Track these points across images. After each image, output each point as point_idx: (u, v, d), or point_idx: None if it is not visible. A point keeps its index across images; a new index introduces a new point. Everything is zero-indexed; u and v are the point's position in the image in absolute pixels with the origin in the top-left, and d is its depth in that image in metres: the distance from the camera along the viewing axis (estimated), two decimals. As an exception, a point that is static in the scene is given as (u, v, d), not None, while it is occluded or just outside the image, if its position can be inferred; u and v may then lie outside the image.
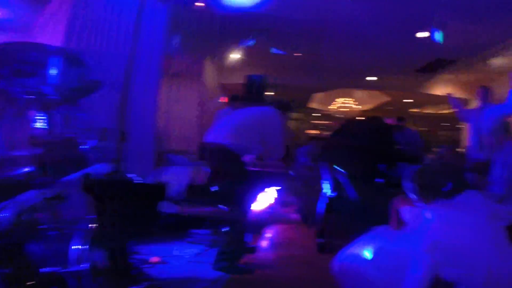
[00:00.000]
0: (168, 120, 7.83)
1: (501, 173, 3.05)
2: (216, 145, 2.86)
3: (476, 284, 1.86)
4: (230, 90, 8.65)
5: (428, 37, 6.75)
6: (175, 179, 3.82)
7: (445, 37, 6.71)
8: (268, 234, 4.24)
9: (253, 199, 3.09)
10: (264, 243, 3.89)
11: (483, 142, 4.01)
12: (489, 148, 3.48)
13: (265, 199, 4.34)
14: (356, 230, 3.21)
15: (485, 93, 4.44)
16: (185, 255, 3.06)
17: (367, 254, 2.45)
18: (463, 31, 6.87)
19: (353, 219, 3.70)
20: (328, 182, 3.81)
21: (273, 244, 3.96)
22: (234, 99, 6.12)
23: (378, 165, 3.89)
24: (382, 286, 2.32)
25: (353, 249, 2.71)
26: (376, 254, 2.44)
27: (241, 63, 9.75)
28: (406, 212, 2.70)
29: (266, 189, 4.51)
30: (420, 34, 6.84)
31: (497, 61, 8.96)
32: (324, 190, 3.90)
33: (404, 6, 5.98)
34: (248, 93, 6.23)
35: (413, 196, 2.24)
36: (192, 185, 3.91)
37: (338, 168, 3.61)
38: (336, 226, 3.88)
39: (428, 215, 2.10)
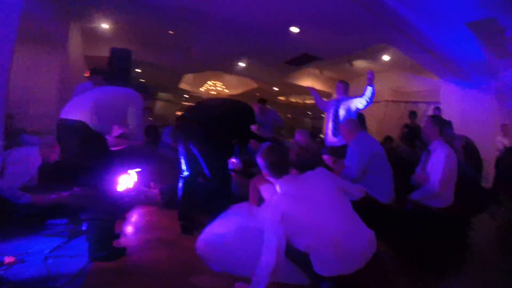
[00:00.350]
0: (23, 94, 7.95)
1: (352, 159, 4.05)
2: (74, 122, 2.99)
3: (326, 252, 2.33)
4: (95, 64, 8.69)
5: (298, 32, 8.80)
6: (23, 162, 3.85)
7: (314, 37, 9.15)
8: (133, 218, 4.59)
9: (115, 181, 3.35)
10: (129, 228, 4.20)
11: (338, 130, 5.33)
12: (343, 136, 4.51)
13: (128, 181, 4.70)
14: (214, 209, 3.70)
15: (343, 87, 5.97)
16: (43, 251, 3.15)
17: (228, 231, 3.09)
18: (331, 37, 9.24)
19: (209, 198, 4.17)
20: (184, 161, 4.16)
21: (139, 228, 4.31)
22: (95, 73, 6.18)
23: (233, 144, 4.50)
24: (244, 260, 2.88)
25: (214, 228, 3.26)
26: (236, 230, 3.07)
27: (110, 35, 10.17)
28: (264, 189, 3.40)
29: (129, 171, 4.82)
30: (292, 29, 8.69)
31: (358, 64, 12.43)
32: (182, 170, 4.23)
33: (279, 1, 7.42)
34: (112, 68, 6.39)
35: (266, 172, 2.66)
36: (44, 169, 4.00)
37: (192, 146, 3.97)
38: (194, 206, 4.30)
39: (278, 189, 2.65)
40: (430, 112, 9.94)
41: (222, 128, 3.99)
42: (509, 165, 5.50)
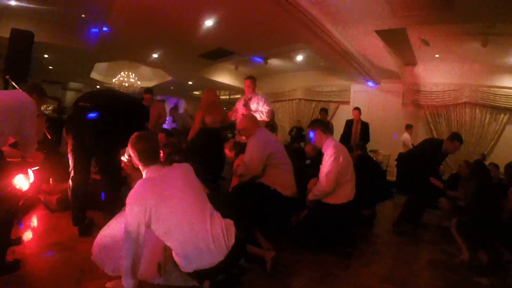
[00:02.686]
0: None
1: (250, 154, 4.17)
2: None
3: (182, 246, 2.43)
4: None
5: (214, 26, 8.68)
6: None
7: (229, 32, 9.17)
8: (30, 221, 4.38)
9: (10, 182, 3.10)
10: (25, 232, 3.98)
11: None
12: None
13: (25, 180, 4.12)
14: (107, 209, 3.78)
15: (250, 84, 6.10)
16: None
17: (120, 233, 2.81)
18: (246, 33, 9.39)
19: (101, 197, 4.07)
20: (73, 158, 3.89)
21: (36, 232, 4.11)
22: None
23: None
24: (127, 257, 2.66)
25: (108, 230, 3.24)
26: (118, 227, 3.02)
27: (16, 13, 9.10)
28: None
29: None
30: (208, 23, 8.55)
31: (273, 62, 12.79)
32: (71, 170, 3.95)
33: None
34: (11, 52, 5.91)
35: (136, 160, 2.70)
36: None
37: (83, 141, 3.77)
38: (90, 206, 4.21)
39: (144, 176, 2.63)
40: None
41: (115, 122, 3.79)
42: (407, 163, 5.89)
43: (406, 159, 6.03)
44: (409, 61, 11.12)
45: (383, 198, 5.96)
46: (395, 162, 6.86)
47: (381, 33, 8.23)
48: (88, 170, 4.00)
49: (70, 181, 3.92)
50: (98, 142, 3.74)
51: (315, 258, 3.92)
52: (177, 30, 9.46)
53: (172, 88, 18.35)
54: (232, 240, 2.55)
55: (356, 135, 9.49)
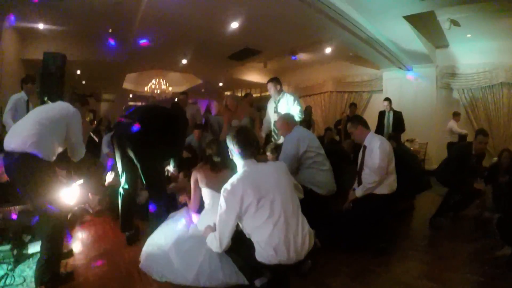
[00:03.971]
0: None
1: (285, 152, 4.33)
2: (21, 156, 2.99)
3: (272, 238, 2.58)
4: (34, 68, 8.51)
5: (238, 27, 8.91)
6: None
7: (255, 32, 9.48)
8: (78, 232, 4.60)
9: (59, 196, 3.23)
10: (75, 243, 4.21)
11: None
12: (280, 130, 4.81)
13: (71, 194, 4.54)
14: (154, 218, 3.95)
15: (272, 86, 5.97)
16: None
17: (167, 242, 3.30)
18: (272, 32, 9.59)
19: (146, 207, 4.22)
20: (121, 170, 4.14)
21: (84, 242, 4.30)
22: (26, 82, 6.05)
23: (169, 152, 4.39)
24: (183, 269, 3.10)
25: (155, 239, 3.45)
26: (175, 241, 3.29)
27: (47, 36, 9.69)
28: (205, 193, 3.67)
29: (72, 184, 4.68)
30: (233, 25, 8.82)
31: (301, 56, 12.80)
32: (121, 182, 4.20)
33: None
34: (44, 75, 6.05)
35: (235, 151, 2.87)
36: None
37: (129, 153, 3.92)
38: (136, 215, 4.41)
39: (241, 168, 2.88)
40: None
41: (159, 134, 4.01)
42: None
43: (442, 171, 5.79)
44: (440, 43, 10.95)
45: (420, 190, 5.89)
46: (433, 151, 6.69)
47: (409, 18, 8.24)
48: (136, 181, 4.24)
49: (120, 190, 4.20)
50: (141, 155, 3.94)
51: (350, 254, 4.01)
52: (203, 34, 9.79)
53: (203, 90, 18.68)
54: (311, 244, 2.76)
55: (389, 127, 9.43)
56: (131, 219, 4.28)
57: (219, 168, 3.64)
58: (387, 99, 9.69)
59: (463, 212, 5.77)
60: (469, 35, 10.24)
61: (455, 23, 8.99)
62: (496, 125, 10.47)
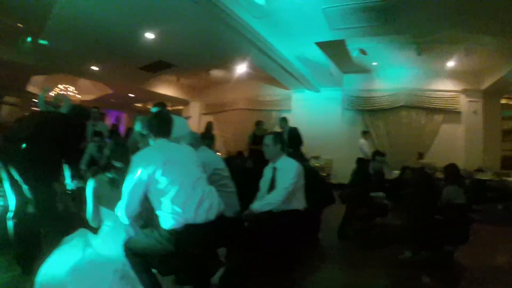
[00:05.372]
0: None
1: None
2: None
3: (183, 195, 2.70)
4: None
5: (153, 38, 8.99)
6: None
7: (170, 45, 9.60)
8: None
9: None
10: None
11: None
12: None
13: None
14: (50, 239, 3.47)
15: None
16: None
17: (63, 270, 2.90)
18: (187, 46, 9.75)
19: (38, 228, 3.70)
20: (8, 193, 3.67)
21: None
22: None
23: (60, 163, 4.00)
24: None
25: (49, 266, 3.07)
26: (72, 269, 2.90)
27: None
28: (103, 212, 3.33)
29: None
30: (147, 35, 8.80)
31: (215, 73, 13.44)
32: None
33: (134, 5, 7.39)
34: None
35: (147, 132, 3.12)
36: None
37: (13, 171, 3.54)
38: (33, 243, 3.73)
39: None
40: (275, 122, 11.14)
41: (45, 145, 3.67)
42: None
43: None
44: (348, 69, 12.16)
45: (325, 204, 6.00)
46: (339, 166, 7.18)
47: (320, 44, 9.03)
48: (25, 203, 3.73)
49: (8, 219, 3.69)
50: (26, 175, 3.57)
51: (261, 271, 4.06)
52: (116, 42, 9.70)
53: (112, 100, 18.37)
54: (221, 208, 2.94)
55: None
56: (27, 246, 3.72)
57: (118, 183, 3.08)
58: (283, 118, 9.76)
59: (370, 223, 6.46)
60: (375, 63, 11.72)
61: (363, 52, 10.11)
62: (395, 143, 12.35)
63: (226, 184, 4.30)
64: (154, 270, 2.86)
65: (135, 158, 2.79)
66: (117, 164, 3.22)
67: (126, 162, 2.99)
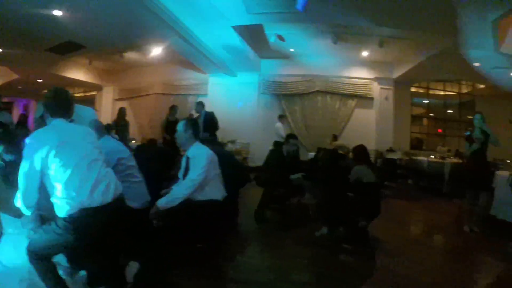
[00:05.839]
0: None
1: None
2: None
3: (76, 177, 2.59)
4: None
5: (61, 16, 8.27)
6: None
7: (80, 24, 8.84)
8: None
9: None
10: None
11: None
12: None
13: None
14: None
15: None
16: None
17: None
18: (99, 26, 9.12)
19: None
20: None
21: None
22: None
23: None
24: None
25: None
26: None
27: None
28: None
29: None
30: (56, 12, 8.07)
31: (129, 55, 12.91)
32: None
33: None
34: None
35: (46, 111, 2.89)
36: None
37: None
38: None
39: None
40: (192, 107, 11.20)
41: None
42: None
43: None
44: (266, 54, 12.41)
45: (241, 184, 6.04)
46: (257, 150, 7.24)
47: (238, 28, 9.07)
48: None
49: None
50: None
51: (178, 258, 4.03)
52: (19, 20, 8.82)
53: (20, 87, 17.24)
54: (119, 190, 2.85)
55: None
56: None
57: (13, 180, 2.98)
58: (199, 102, 9.91)
59: (286, 204, 6.69)
60: (292, 50, 12.10)
61: (280, 38, 10.39)
62: (312, 126, 13.13)
63: (132, 174, 4.10)
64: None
65: (28, 140, 2.62)
66: (9, 157, 3.08)
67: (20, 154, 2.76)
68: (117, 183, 2.87)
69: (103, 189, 2.67)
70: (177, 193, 3.86)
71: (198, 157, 3.97)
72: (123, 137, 9.09)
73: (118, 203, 2.79)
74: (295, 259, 4.24)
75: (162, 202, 3.79)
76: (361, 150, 5.68)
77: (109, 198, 2.69)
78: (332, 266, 4.09)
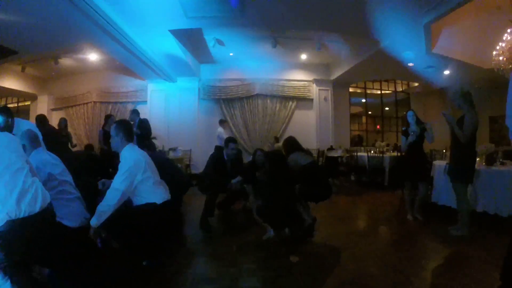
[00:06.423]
0: None
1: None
2: None
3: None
4: None
5: None
6: None
7: (9, 27, 8.13)
8: None
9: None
10: None
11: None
12: None
13: None
14: None
15: None
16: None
17: None
18: (29, 29, 8.39)
19: None
20: None
21: None
22: None
23: None
24: None
25: None
26: None
27: None
28: None
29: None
30: None
31: (65, 62, 12.48)
32: None
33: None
34: None
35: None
36: None
37: None
38: None
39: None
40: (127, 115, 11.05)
41: None
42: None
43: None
44: (205, 59, 12.59)
45: (182, 190, 6.09)
46: (198, 156, 7.26)
47: (176, 33, 9.12)
48: None
49: None
50: None
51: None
52: None
53: None
54: (47, 200, 2.84)
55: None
56: None
57: None
58: (134, 110, 9.96)
59: (231, 208, 6.96)
60: (231, 54, 12.27)
61: (220, 42, 10.61)
62: (253, 129, 13.49)
63: (66, 191, 3.75)
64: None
65: None
66: None
67: None
68: (45, 193, 2.82)
69: (30, 198, 2.64)
70: (104, 206, 3.64)
71: (123, 161, 3.83)
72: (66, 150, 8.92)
73: (45, 213, 2.75)
74: (243, 266, 4.24)
75: (94, 221, 3.58)
76: (290, 141, 5.93)
77: (36, 208, 2.66)
78: (280, 268, 4.12)
